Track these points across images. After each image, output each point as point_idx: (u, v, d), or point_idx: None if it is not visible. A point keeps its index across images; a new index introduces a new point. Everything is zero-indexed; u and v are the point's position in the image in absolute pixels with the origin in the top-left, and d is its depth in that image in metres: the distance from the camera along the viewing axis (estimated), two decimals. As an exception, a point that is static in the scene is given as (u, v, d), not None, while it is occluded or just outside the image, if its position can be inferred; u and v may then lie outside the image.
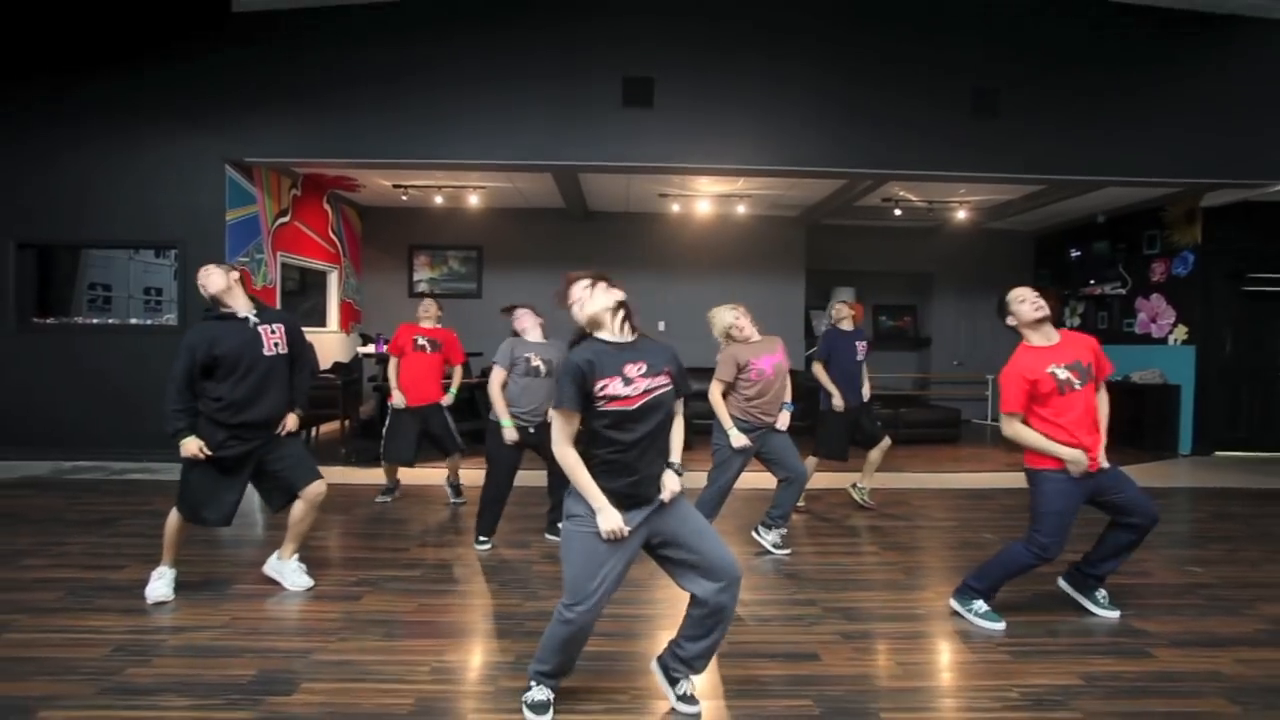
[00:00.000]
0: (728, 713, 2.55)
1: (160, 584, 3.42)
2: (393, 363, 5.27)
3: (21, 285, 7.02)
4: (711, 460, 4.23)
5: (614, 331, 2.36)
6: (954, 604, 3.40)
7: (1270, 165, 7.07)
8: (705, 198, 9.18)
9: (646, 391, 2.28)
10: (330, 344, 9.17)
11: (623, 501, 2.29)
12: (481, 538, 4.38)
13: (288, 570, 3.65)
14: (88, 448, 6.71)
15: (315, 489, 3.54)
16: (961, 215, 9.67)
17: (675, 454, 2.47)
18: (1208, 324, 8.34)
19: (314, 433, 8.32)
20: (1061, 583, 3.56)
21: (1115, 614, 3.39)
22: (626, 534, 2.27)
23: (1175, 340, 8.56)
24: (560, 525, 2.38)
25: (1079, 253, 10.18)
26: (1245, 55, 7.05)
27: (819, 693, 2.66)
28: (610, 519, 2.24)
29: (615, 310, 2.36)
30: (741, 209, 9.46)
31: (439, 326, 5.43)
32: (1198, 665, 2.93)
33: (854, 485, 5.68)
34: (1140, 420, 8.31)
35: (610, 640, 3.08)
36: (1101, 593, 3.45)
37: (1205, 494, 6.43)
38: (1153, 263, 8.85)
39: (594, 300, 2.35)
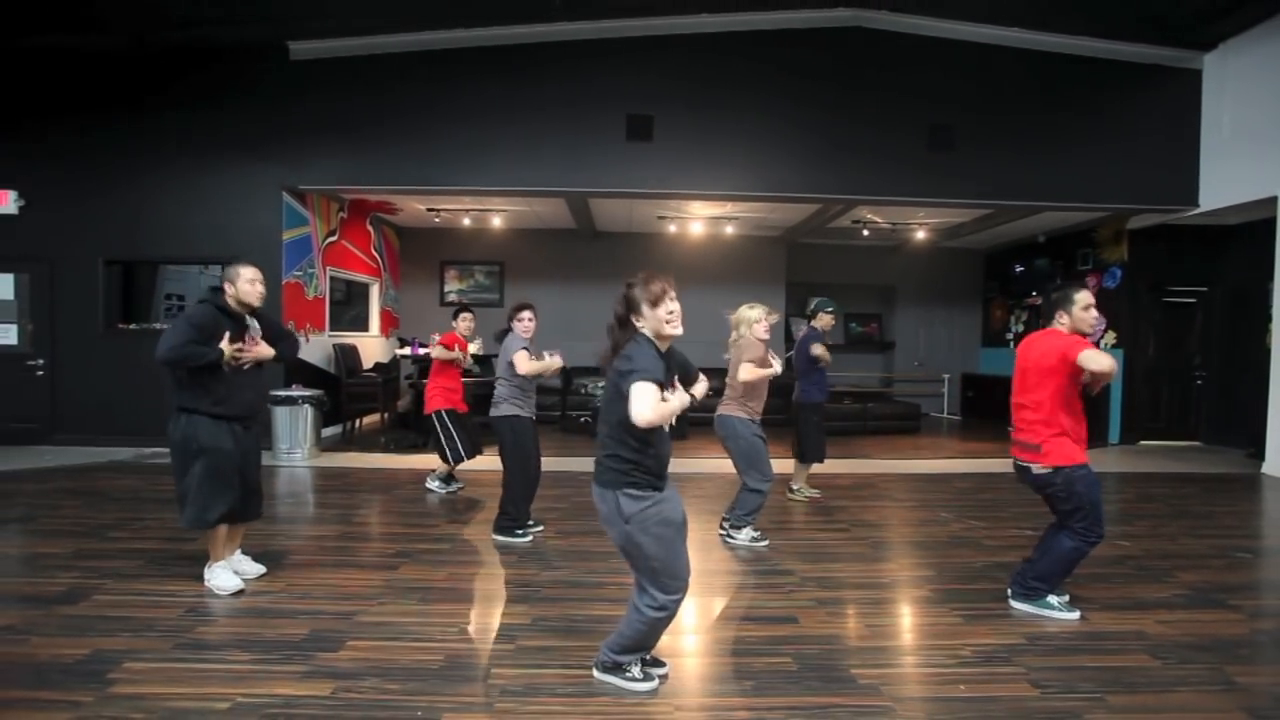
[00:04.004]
0: (716, 669, 2.54)
1: (228, 575, 3.19)
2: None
3: (108, 296, 7.01)
4: (738, 455, 3.99)
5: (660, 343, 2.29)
6: (1025, 607, 3.02)
7: (1185, 193, 7.07)
8: (698, 219, 9.16)
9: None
10: (372, 347, 9.16)
11: (657, 478, 2.24)
12: (518, 532, 4.04)
13: (235, 563, 3.31)
14: (164, 436, 6.68)
15: (242, 528, 3.31)
16: (921, 235, 9.67)
17: None
18: (1133, 330, 8.33)
19: (357, 424, 8.32)
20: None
21: (1065, 598, 3.09)
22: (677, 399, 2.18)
23: (1105, 344, 8.53)
24: (625, 530, 2.21)
25: (1022, 268, 10.16)
26: (1164, 99, 7.06)
27: (797, 651, 2.65)
28: (684, 398, 2.18)
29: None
30: (730, 229, 9.45)
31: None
32: (1125, 626, 2.93)
33: (790, 489, 5.22)
34: (1075, 413, 8.28)
35: (616, 605, 3.07)
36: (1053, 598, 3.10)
37: (1132, 478, 6.41)
38: (1086, 277, 8.82)
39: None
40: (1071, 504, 2.91)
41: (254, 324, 3.23)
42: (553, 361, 4.03)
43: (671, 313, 2.23)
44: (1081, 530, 2.91)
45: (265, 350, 3.23)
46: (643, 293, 2.23)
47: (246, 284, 3.13)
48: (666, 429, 2.25)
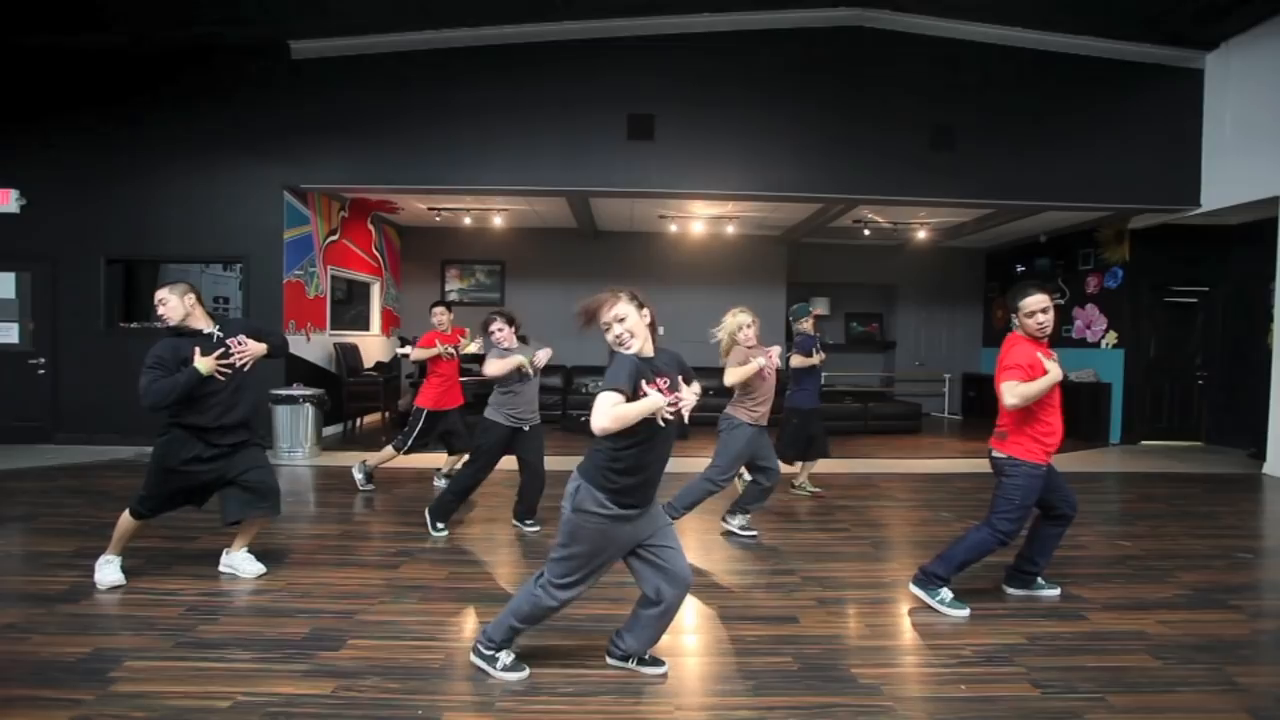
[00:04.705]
0: (716, 669, 2.54)
1: (110, 569, 3.20)
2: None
3: (110, 295, 7.02)
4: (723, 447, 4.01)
5: (645, 348, 2.22)
6: (918, 592, 3.10)
7: (1187, 193, 7.06)
8: (699, 219, 9.17)
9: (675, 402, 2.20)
10: (373, 346, 9.17)
11: (627, 499, 2.21)
12: (440, 525, 4.10)
13: (238, 560, 3.37)
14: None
15: (259, 522, 3.35)
16: (922, 235, 9.67)
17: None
18: (1135, 330, 8.32)
19: (358, 423, 8.33)
20: (1009, 589, 3.29)
21: (1057, 591, 3.27)
22: (669, 410, 2.13)
23: (1107, 344, 8.54)
24: (567, 515, 2.26)
25: (1023, 268, 10.15)
26: (1166, 99, 7.05)
27: (797, 651, 2.65)
28: (656, 399, 2.08)
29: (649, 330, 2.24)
30: (731, 229, 9.45)
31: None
32: (1126, 626, 2.93)
33: (793, 485, 5.38)
34: (1076, 414, 8.28)
35: (616, 605, 3.07)
36: (1040, 580, 3.28)
37: (1133, 478, 6.41)
38: (1087, 277, 8.83)
39: (640, 327, 2.19)
40: (1007, 496, 2.98)
41: (218, 333, 3.15)
42: (514, 359, 4.00)
43: (618, 336, 2.16)
44: (997, 522, 2.98)
45: (256, 347, 3.21)
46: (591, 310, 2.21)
47: (158, 305, 3.08)
48: (660, 426, 2.17)
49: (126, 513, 3.19)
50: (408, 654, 2.57)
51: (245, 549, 3.40)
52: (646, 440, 2.17)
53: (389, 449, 5.13)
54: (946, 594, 3.06)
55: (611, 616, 2.92)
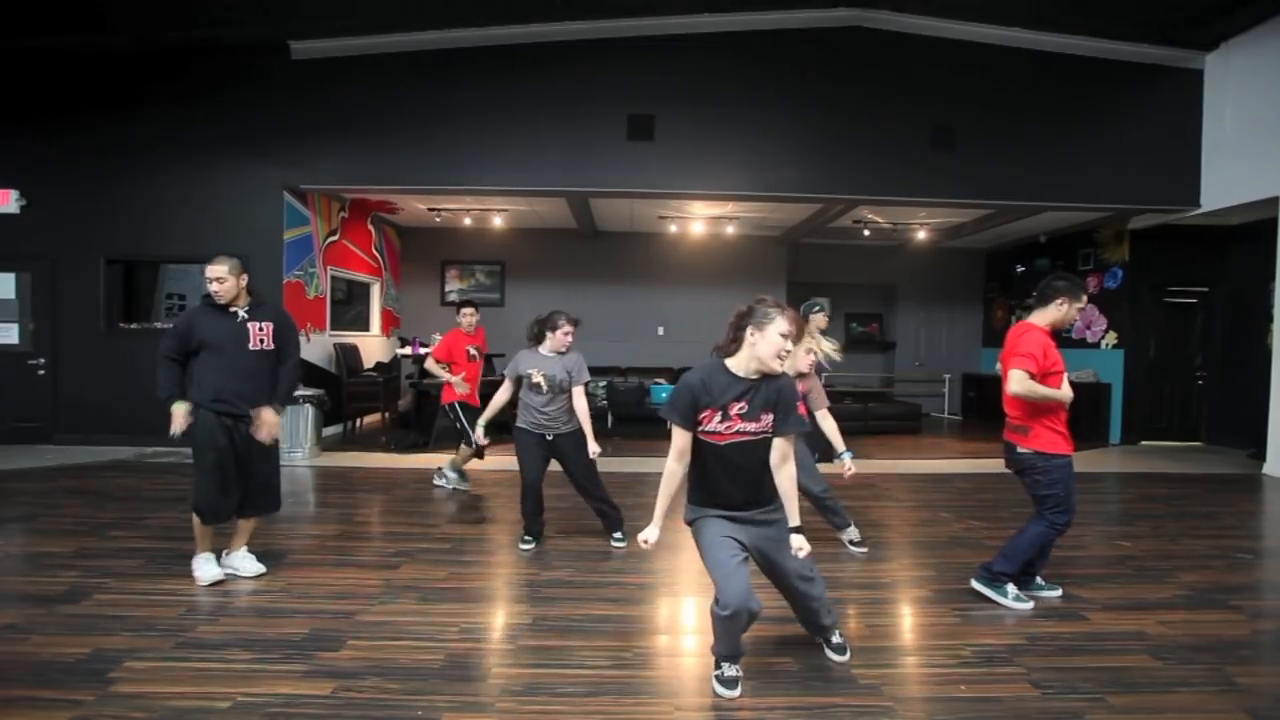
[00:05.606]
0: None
1: (209, 566, 3.26)
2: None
3: (110, 295, 7.01)
4: None
5: (746, 368, 2.26)
6: (986, 590, 3.12)
7: (1186, 194, 7.06)
8: (699, 219, 9.16)
9: (738, 433, 2.25)
10: (373, 346, 9.16)
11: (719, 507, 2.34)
12: (526, 538, 3.91)
13: (237, 560, 3.36)
14: (164, 435, 6.67)
15: (252, 522, 3.39)
16: (922, 235, 9.67)
17: (793, 515, 2.37)
18: (1134, 330, 8.32)
19: (358, 423, 8.33)
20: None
21: (1058, 591, 3.26)
22: (649, 546, 2.30)
23: (1106, 344, 8.54)
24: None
25: (1023, 268, 10.15)
26: (1166, 99, 7.05)
27: (797, 651, 2.65)
28: (649, 531, 2.30)
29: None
30: (730, 229, 9.44)
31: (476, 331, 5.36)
32: (1125, 626, 2.92)
33: None
34: (1076, 414, 8.23)
35: (616, 605, 3.08)
36: (1039, 580, 3.26)
37: (1132, 478, 6.41)
38: (1087, 277, 8.82)
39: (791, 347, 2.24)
40: (1048, 490, 3.03)
41: (243, 312, 3.21)
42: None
43: (789, 351, 2.22)
44: (1050, 517, 3.04)
45: (270, 422, 3.21)
46: (776, 312, 2.22)
47: (213, 283, 3.15)
48: (734, 462, 2.28)
49: (194, 514, 3.24)
50: (407, 654, 2.56)
51: (244, 548, 3.40)
52: (700, 456, 2.32)
53: (465, 447, 5.12)
54: (1012, 589, 3.11)
55: (611, 617, 2.92)
